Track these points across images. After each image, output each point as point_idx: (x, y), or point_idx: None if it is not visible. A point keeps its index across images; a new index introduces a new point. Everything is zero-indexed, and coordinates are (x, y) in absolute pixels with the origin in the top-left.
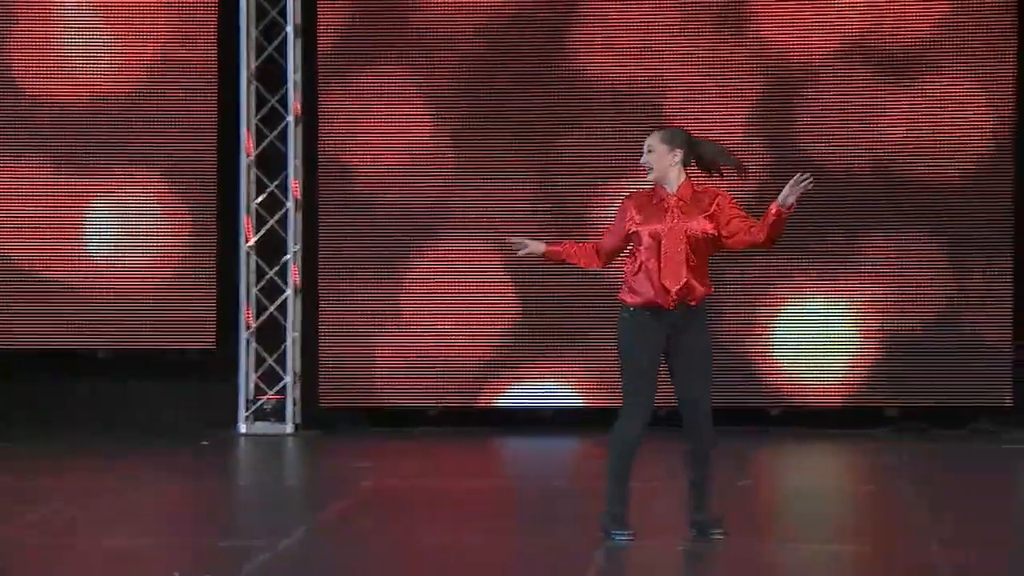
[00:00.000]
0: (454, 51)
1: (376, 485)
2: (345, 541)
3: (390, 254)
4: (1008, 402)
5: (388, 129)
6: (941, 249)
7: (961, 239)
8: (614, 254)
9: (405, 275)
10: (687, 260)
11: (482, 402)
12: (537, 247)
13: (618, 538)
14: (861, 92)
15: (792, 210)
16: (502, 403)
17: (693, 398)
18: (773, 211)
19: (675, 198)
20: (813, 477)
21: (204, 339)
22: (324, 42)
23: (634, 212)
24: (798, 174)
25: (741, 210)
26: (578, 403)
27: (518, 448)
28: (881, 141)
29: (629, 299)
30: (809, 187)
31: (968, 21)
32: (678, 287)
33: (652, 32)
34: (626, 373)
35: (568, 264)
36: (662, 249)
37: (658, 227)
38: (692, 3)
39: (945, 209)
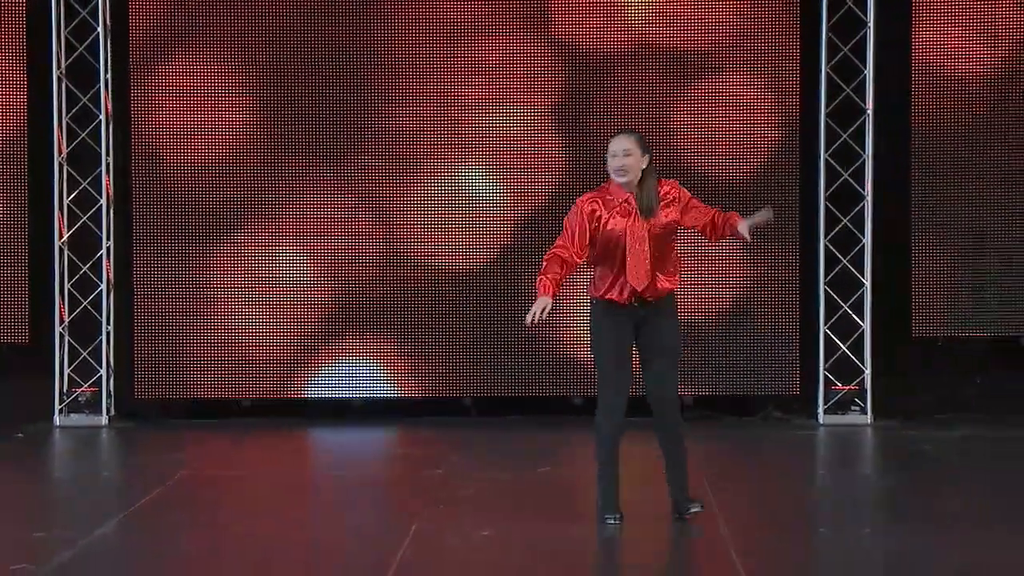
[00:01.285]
0: (266, 43)
1: (189, 476)
2: (159, 531)
3: (204, 248)
4: (795, 391)
5: (201, 125)
6: (733, 244)
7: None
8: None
9: (218, 268)
10: (652, 257)
11: (294, 393)
12: (548, 303)
13: (608, 522)
14: (651, 90)
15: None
16: (314, 393)
17: (655, 384)
18: (737, 230)
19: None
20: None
21: (17, 334)
22: (136, 41)
23: (603, 212)
24: (767, 210)
25: (695, 198)
26: (391, 393)
27: (330, 438)
28: (674, 137)
29: (595, 292)
30: (769, 219)
31: (753, 20)
32: (644, 285)
33: (457, 28)
34: (597, 364)
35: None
36: (627, 248)
37: (622, 226)
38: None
39: (735, 205)
